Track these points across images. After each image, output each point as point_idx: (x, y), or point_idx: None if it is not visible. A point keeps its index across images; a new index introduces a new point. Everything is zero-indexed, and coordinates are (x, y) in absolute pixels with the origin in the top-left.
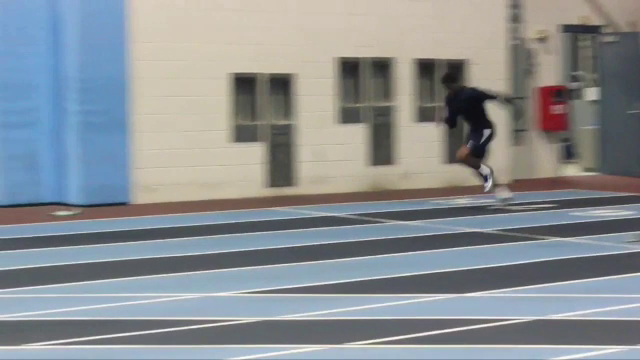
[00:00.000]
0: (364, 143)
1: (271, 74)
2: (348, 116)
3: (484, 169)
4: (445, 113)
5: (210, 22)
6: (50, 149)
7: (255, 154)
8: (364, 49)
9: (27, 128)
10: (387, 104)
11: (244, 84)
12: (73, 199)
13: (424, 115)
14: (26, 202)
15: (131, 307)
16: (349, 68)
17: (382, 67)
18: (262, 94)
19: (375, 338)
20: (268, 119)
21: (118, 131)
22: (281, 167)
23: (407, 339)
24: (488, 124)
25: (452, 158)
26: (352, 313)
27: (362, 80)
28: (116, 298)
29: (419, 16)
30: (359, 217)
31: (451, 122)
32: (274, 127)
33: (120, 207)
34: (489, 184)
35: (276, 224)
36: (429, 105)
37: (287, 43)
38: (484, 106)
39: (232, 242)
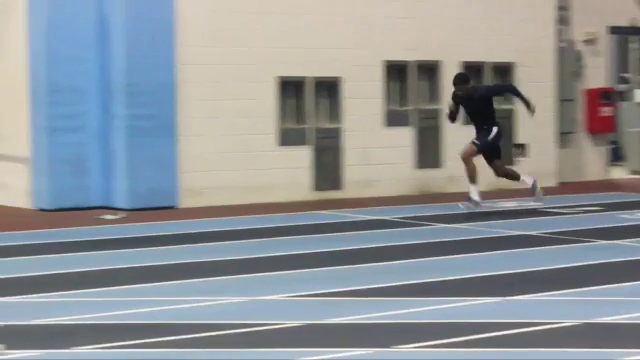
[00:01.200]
0: (410, 146)
1: (318, 77)
2: (395, 119)
3: (528, 179)
4: (452, 108)
5: (257, 26)
6: (97, 153)
7: (302, 157)
8: (411, 52)
9: (75, 132)
10: (434, 107)
11: (291, 88)
12: (120, 203)
13: None
14: (73, 206)
15: (178, 311)
16: (396, 71)
17: (429, 70)
18: (309, 97)
19: (422, 341)
20: (315, 122)
21: (165, 135)
22: (327, 170)
23: (454, 342)
24: (495, 122)
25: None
26: (399, 316)
27: (409, 83)
28: (163, 302)
29: (466, 19)
30: (405, 220)
31: (454, 118)
32: (321, 130)
33: (166, 211)
34: (531, 182)
35: (323, 227)
36: None
37: (334, 46)
38: (493, 105)
39: (279, 246)
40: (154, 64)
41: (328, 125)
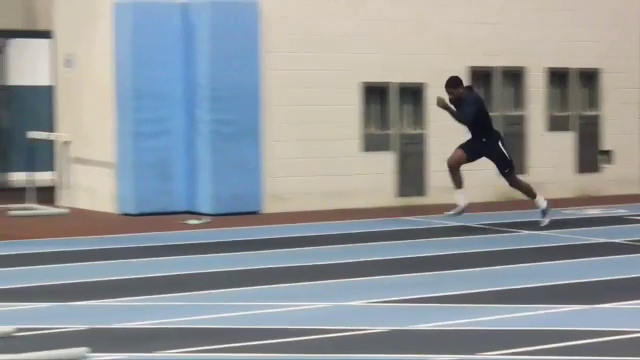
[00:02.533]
0: None
1: (402, 83)
2: None
3: (540, 201)
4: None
5: (341, 32)
6: (182, 158)
7: (385, 163)
8: (495, 58)
9: (159, 137)
10: (518, 113)
11: (375, 93)
12: (204, 208)
13: (556, 124)
14: (158, 211)
15: (262, 316)
16: (480, 77)
17: (513, 76)
18: (393, 103)
19: (507, 349)
20: (399, 128)
21: (249, 140)
22: (411, 176)
23: (540, 350)
24: (495, 133)
25: (585, 168)
26: (483, 323)
27: (493, 89)
28: (246, 307)
29: (551, 25)
30: (490, 227)
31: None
32: (405, 136)
33: (250, 216)
34: (545, 205)
35: (406, 233)
36: (561, 114)
37: (418, 52)
38: (487, 113)
39: (362, 251)
40: (239, 69)
41: (412, 131)
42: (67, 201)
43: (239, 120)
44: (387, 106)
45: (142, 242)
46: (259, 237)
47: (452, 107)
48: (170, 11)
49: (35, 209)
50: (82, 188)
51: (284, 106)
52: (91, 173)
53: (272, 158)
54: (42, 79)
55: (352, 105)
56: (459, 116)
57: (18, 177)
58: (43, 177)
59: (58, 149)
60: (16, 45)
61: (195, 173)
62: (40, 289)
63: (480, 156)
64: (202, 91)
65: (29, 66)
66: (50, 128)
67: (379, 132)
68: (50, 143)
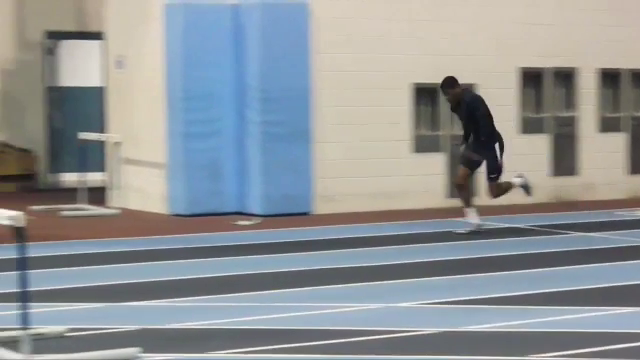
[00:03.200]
0: (546, 153)
1: None
2: (530, 126)
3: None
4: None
5: (392, 32)
6: (232, 159)
7: (436, 165)
8: (547, 59)
9: (210, 138)
10: (570, 114)
11: (425, 94)
12: (254, 209)
13: (608, 125)
14: (208, 212)
15: (312, 317)
16: (531, 78)
17: (565, 77)
18: (443, 105)
19: (558, 351)
20: (449, 129)
21: (300, 141)
22: None
23: (590, 353)
24: (496, 134)
25: (636, 169)
26: (534, 325)
27: (544, 90)
28: (297, 308)
29: (603, 25)
30: (542, 228)
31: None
32: (455, 138)
33: (301, 217)
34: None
35: (457, 235)
36: (613, 115)
37: (469, 53)
38: (491, 115)
39: (413, 252)
40: (289, 70)
41: (461, 132)
42: (118, 202)
43: (289, 121)
44: (437, 107)
45: (193, 243)
46: (309, 238)
47: (476, 156)
48: (220, 12)
49: (86, 210)
50: (133, 189)
51: (334, 107)
52: (142, 174)
53: (322, 159)
54: (93, 80)
55: (402, 106)
56: (483, 134)
57: (70, 178)
58: (94, 178)
59: (109, 150)
60: (68, 46)
61: (245, 174)
62: (92, 289)
63: (482, 159)
64: (252, 92)
65: (80, 67)
66: (101, 129)
67: (429, 133)
68: (101, 144)
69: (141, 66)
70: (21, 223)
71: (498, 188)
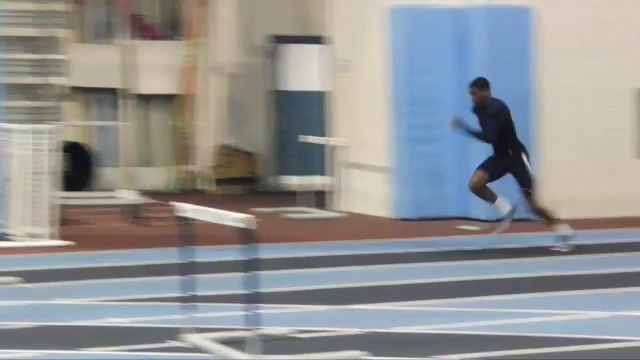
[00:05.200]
0: None
1: None
2: None
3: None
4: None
5: (614, 37)
6: (454, 164)
7: None
8: None
9: (433, 143)
10: None
11: None
12: (478, 214)
13: None
14: (432, 216)
15: (538, 324)
16: None
17: None
18: None
19: None
20: None
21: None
22: None
23: None
24: (520, 146)
25: None
26: None
27: None
28: (522, 314)
29: None
30: None
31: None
32: None
33: (523, 223)
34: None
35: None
36: None
37: None
38: (513, 124)
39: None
40: (512, 75)
41: None
42: (341, 205)
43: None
44: None
45: (417, 247)
46: (534, 244)
47: (472, 128)
48: (444, 16)
49: (310, 212)
50: (356, 192)
51: (556, 112)
52: (366, 178)
53: (544, 164)
54: (314, 84)
55: (625, 111)
56: (481, 136)
57: (293, 181)
58: (317, 181)
59: (333, 153)
60: (290, 50)
61: (467, 179)
62: (317, 292)
63: (506, 171)
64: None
65: (302, 71)
66: (322, 133)
67: None
68: (324, 147)
69: (365, 70)
70: (252, 226)
71: (537, 205)
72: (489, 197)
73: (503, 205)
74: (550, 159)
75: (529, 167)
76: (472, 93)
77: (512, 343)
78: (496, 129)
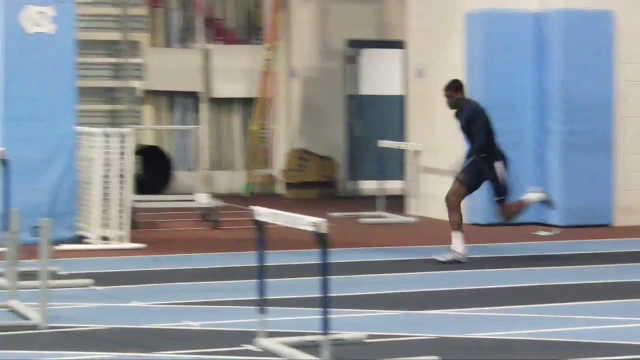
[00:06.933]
0: None
1: None
2: None
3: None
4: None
5: None
6: (533, 169)
7: None
8: None
9: (511, 148)
10: None
11: None
12: (554, 219)
13: None
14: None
15: (613, 330)
16: None
17: None
18: None
19: None
20: None
21: (601, 152)
22: None
23: None
24: (497, 150)
25: None
26: None
27: None
28: (597, 321)
29: None
30: None
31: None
32: None
33: (600, 229)
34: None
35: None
36: None
37: None
38: (490, 127)
39: None
40: (592, 79)
41: None
42: (416, 210)
43: (592, 131)
44: None
45: (492, 252)
46: (609, 250)
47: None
48: (522, 20)
49: (385, 217)
50: (431, 197)
51: (637, 117)
52: (441, 183)
53: (624, 170)
54: (393, 89)
55: None
56: (475, 147)
57: (368, 185)
58: (393, 186)
59: (409, 158)
60: (368, 55)
61: (545, 184)
62: (391, 297)
63: (483, 179)
64: (554, 101)
65: (381, 76)
66: (399, 137)
67: None
68: (400, 152)
69: (442, 75)
70: (323, 230)
71: (508, 210)
72: (454, 220)
73: (457, 243)
74: (629, 164)
75: (504, 175)
76: (447, 96)
77: (591, 350)
78: (480, 128)
